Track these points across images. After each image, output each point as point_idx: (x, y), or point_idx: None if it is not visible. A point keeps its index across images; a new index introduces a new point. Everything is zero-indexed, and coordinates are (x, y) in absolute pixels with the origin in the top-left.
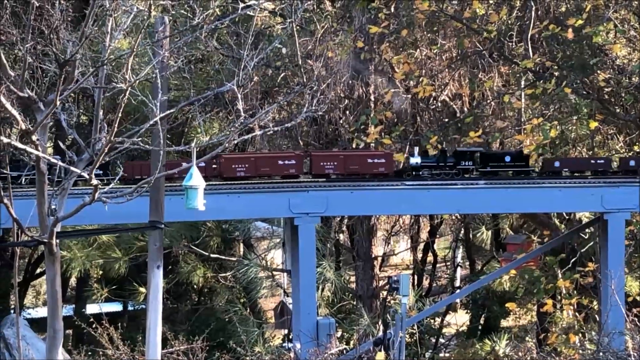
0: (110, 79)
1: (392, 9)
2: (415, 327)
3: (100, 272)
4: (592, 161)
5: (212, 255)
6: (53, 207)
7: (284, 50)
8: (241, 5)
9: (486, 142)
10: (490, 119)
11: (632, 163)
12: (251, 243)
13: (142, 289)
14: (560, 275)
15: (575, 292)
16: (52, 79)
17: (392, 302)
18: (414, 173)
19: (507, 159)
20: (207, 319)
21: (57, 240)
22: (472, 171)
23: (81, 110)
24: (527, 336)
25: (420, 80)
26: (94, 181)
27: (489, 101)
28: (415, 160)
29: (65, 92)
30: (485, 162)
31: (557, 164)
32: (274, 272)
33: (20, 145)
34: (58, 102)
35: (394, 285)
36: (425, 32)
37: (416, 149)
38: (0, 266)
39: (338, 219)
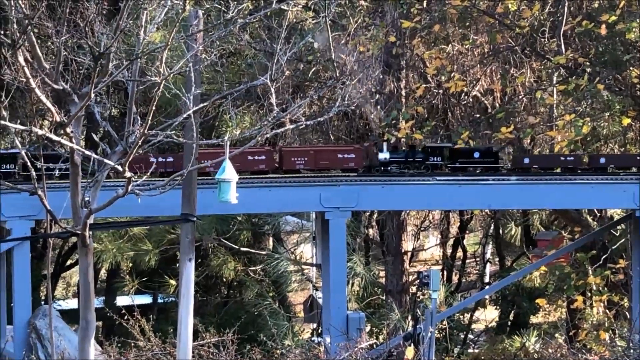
0: (144, 72)
1: (425, 4)
2: (445, 322)
3: (131, 265)
4: (562, 158)
5: (242, 249)
6: (86, 199)
7: (315, 45)
8: None
9: (518, 138)
10: (522, 114)
11: (602, 160)
12: (281, 237)
13: (172, 282)
14: (590, 272)
15: (605, 289)
16: (87, 71)
17: (421, 297)
18: (382, 168)
19: (476, 155)
20: (236, 312)
21: (90, 232)
22: (441, 167)
23: (113, 103)
24: (557, 333)
25: (452, 75)
26: (128, 174)
27: (520, 97)
28: (384, 155)
29: (100, 85)
30: (454, 158)
31: (526, 160)
32: (304, 266)
33: (54, 137)
34: (92, 95)
35: (424, 280)
36: (457, 28)
37: (384, 144)
38: (31, 257)
39: (368, 213)
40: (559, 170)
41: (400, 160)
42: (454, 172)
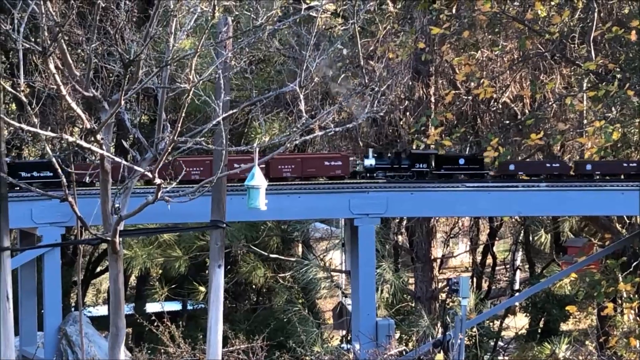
0: (174, 79)
1: (454, 10)
2: (475, 329)
3: (160, 271)
4: (548, 165)
5: (271, 255)
6: (116, 205)
7: (344, 51)
8: (304, 6)
9: (547, 145)
10: (551, 121)
11: (588, 167)
12: (310, 244)
13: (202, 288)
14: (621, 279)
15: (636, 295)
16: (117, 78)
17: (451, 304)
18: (367, 175)
19: (462, 161)
20: (266, 318)
21: (120, 239)
22: (426, 174)
23: (143, 110)
24: (587, 340)
25: (481, 81)
26: (157, 180)
27: (550, 103)
28: (370, 162)
29: (130, 92)
30: (440, 164)
31: (511, 167)
32: (333, 273)
33: (85, 144)
34: (122, 102)
35: (454, 287)
36: (486, 34)
37: (370, 150)
38: (61, 264)
39: (397, 220)
40: (544, 177)
41: (385, 167)
42: (439, 179)
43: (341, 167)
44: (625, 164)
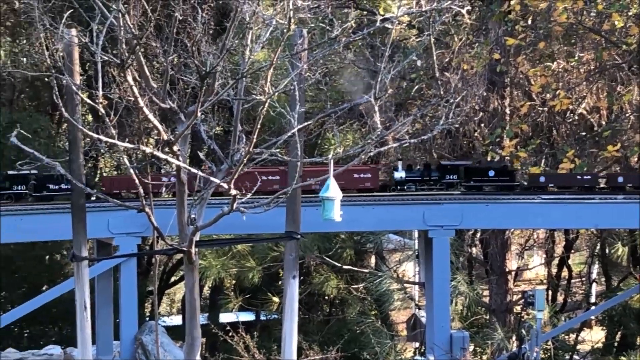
0: (249, 91)
1: (529, 21)
2: (550, 343)
3: (234, 281)
4: (579, 177)
5: (344, 267)
6: (192, 216)
7: (418, 63)
8: (379, 18)
9: (624, 157)
10: (628, 132)
11: (620, 179)
12: (383, 255)
13: (275, 299)
14: None
15: None
16: (193, 90)
17: (526, 317)
18: (398, 187)
19: (491, 173)
20: (339, 330)
21: (196, 249)
22: (456, 185)
23: (217, 121)
24: None
25: (557, 93)
26: (233, 191)
27: (627, 115)
28: (400, 174)
29: (206, 104)
30: (470, 176)
31: (542, 179)
32: (406, 285)
33: (161, 155)
34: (199, 113)
35: (529, 299)
36: (562, 45)
37: (399, 163)
38: (137, 274)
39: (471, 232)
40: (575, 189)
41: (415, 179)
42: (469, 191)
43: (370, 180)
44: None
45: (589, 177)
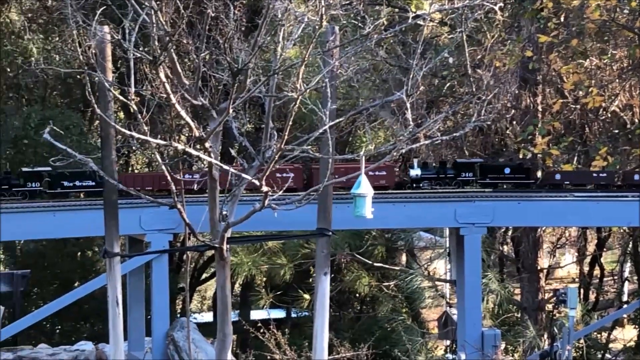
0: (280, 88)
1: (562, 19)
2: (582, 341)
3: (265, 278)
4: (594, 175)
5: (375, 264)
6: (224, 212)
7: (450, 60)
8: (411, 15)
9: None
10: None
11: (636, 177)
12: (414, 253)
13: (306, 296)
14: None
15: None
16: (224, 87)
17: (558, 315)
18: (414, 185)
19: (507, 170)
20: (370, 327)
21: (228, 246)
22: (472, 183)
23: (249, 118)
24: None
25: (590, 90)
26: (265, 188)
27: None
28: (415, 172)
29: (238, 101)
30: (485, 173)
31: (557, 176)
32: (437, 282)
33: (193, 152)
34: (230, 110)
35: (561, 298)
36: (595, 42)
37: (415, 161)
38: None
39: (502, 229)
40: (591, 187)
41: (431, 177)
42: (485, 188)
43: (386, 177)
44: None
45: (604, 174)
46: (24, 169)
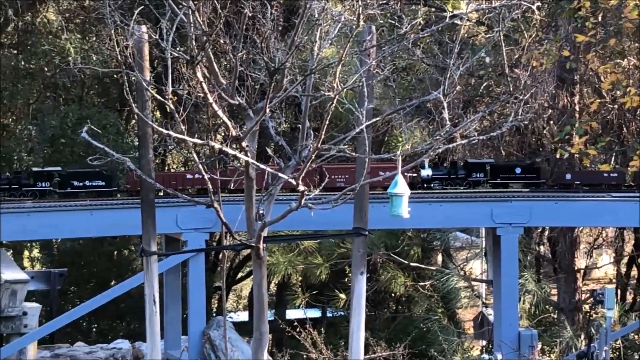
0: (317, 87)
1: (600, 18)
2: (619, 341)
3: (301, 278)
4: (605, 174)
5: (411, 264)
6: (261, 212)
7: (487, 60)
8: (448, 14)
9: None
10: None
11: None
12: (450, 253)
13: (342, 296)
14: None
15: None
16: (261, 87)
17: (595, 315)
18: (425, 185)
19: (518, 170)
20: (405, 327)
21: (264, 245)
22: (483, 183)
23: (285, 118)
24: None
25: (628, 90)
26: (301, 187)
27: None
28: (426, 172)
29: (274, 100)
30: (496, 173)
31: (568, 176)
32: (473, 282)
33: (230, 151)
34: (267, 110)
35: (599, 298)
36: (633, 42)
37: (426, 161)
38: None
39: (539, 229)
40: (602, 187)
41: (442, 177)
42: (496, 188)
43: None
44: None
45: (615, 174)
46: (34, 169)
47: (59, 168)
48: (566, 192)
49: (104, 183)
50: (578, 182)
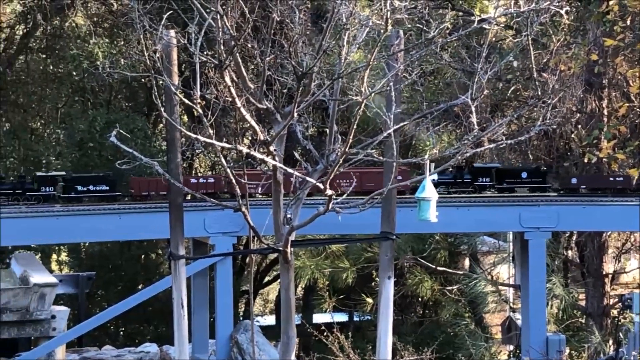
0: (344, 91)
1: (628, 22)
2: None
3: (328, 282)
4: (611, 179)
5: (438, 268)
6: (288, 216)
7: (515, 64)
8: (476, 18)
9: None
10: None
11: None
12: (478, 257)
13: (369, 300)
14: None
15: None
16: (289, 91)
17: (623, 320)
18: None
19: (524, 175)
20: (433, 331)
21: (292, 249)
22: (489, 187)
23: (313, 122)
24: None
25: None
26: (329, 191)
27: None
28: (432, 177)
29: (302, 104)
30: (502, 178)
31: (574, 180)
32: (501, 287)
33: (258, 155)
34: (295, 114)
35: (627, 303)
36: None
37: (432, 165)
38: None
39: (567, 234)
40: (609, 191)
41: (448, 182)
42: (502, 192)
43: (401, 182)
44: None
45: (621, 178)
46: (38, 174)
47: (63, 173)
48: (594, 196)
49: (107, 187)
50: (584, 187)
